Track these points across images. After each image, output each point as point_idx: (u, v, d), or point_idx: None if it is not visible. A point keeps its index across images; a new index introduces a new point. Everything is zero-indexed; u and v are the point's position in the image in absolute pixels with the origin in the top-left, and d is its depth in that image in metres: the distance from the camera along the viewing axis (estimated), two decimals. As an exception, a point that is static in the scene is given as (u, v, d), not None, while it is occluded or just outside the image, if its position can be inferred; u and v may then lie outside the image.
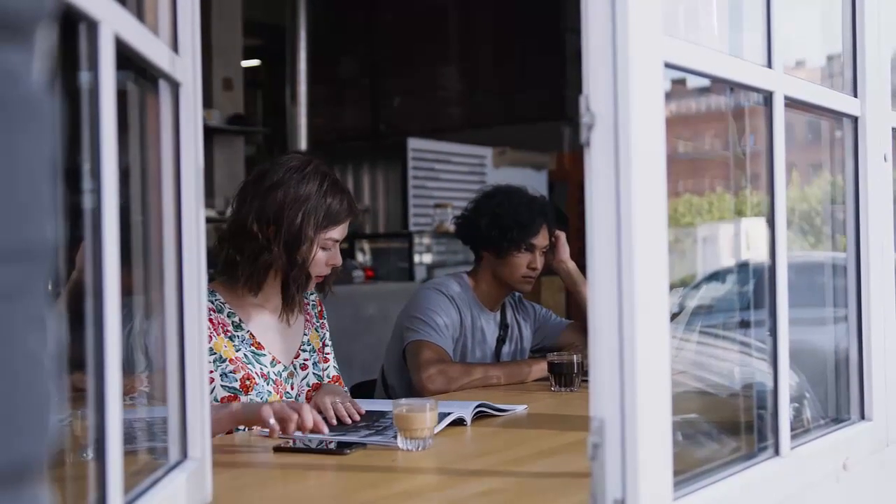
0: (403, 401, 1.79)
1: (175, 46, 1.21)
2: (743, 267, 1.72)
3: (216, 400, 2.03)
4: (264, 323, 2.17)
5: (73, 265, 1.41)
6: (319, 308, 2.35)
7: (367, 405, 2.09)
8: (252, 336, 2.14)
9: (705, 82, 1.42)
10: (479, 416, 2.05)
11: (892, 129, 1.78)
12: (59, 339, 0.61)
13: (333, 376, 2.32)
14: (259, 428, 2.05)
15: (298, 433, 1.88)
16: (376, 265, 6.74)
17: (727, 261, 2.06)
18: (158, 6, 1.18)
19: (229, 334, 2.10)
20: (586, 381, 2.39)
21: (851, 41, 1.68)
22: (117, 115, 0.91)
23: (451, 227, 3.47)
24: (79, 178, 0.87)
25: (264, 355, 2.14)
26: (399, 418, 1.73)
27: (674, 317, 1.68)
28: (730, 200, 1.79)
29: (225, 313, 2.12)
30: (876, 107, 1.70)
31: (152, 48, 1.08)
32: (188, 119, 1.23)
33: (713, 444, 1.50)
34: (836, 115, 1.69)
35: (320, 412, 1.91)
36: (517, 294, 2.95)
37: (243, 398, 2.06)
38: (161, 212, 1.21)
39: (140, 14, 1.09)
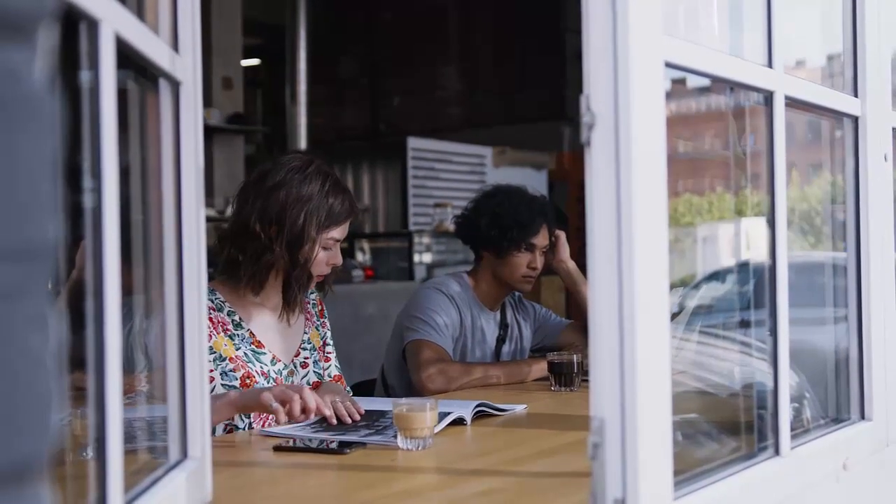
0: (403, 400, 1.79)
1: (175, 45, 1.21)
2: (743, 267, 1.72)
3: None
4: (264, 322, 2.18)
5: (73, 264, 1.41)
6: (320, 307, 2.36)
7: (366, 404, 2.09)
8: (252, 335, 2.14)
9: (705, 82, 1.42)
10: (479, 415, 2.05)
11: (893, 128, 1.78)
12: (60, 339, 0.61)
13: (335, 375, 2.32)
14: (259, 427, 2.05)
15: (298, 433, 1.88)
16: (376, 265, 6.74)
17: (727, 260, 2.06)
18: (159, 5, 1.18)
19: (229, 333, 2.10)
20: (586, 380, 2.39)
21: (852, 41, 1.68)
22: (118, 114, 0.91)
23: (451, 227, 3.47)
24: (79, 177, 0.87)
25: (264, 354, 2.14)
26: (399, 418, 1.73)
27: (674, 316, 1.68)
28: (730, 200, 1.79)
29: (225, 312, 2.12)
30: (876, 106, 1.70)
31: (153, 47, 1.08)
32: (188, 118, 1.23)
33: (713, 444, 1.50)
34: (837, 115, 1.69)
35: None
36: (517, 294, 2.95)
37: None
38: (161, 211, 1.21)
39: (140, 13, 1.09)
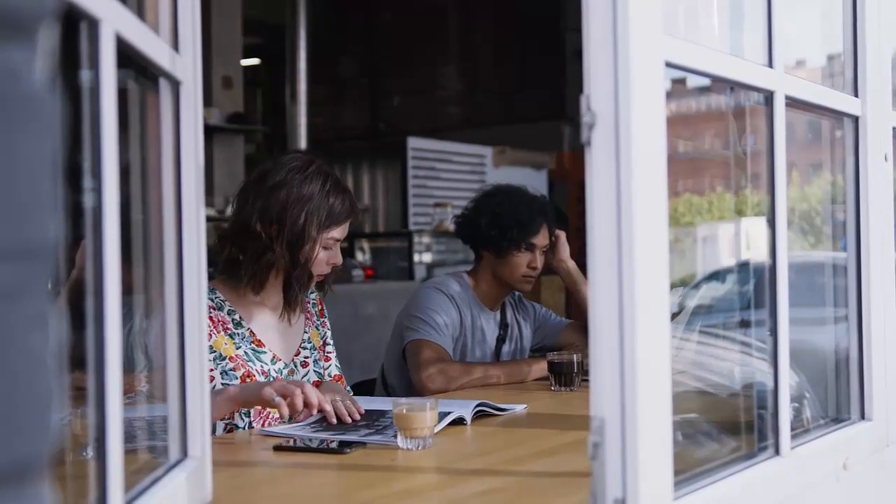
0: (403, 400, 1.80)
1: (176, 45, 1.21)
2: (743, 266, 1.73)
3: None
4: (264, 321, 2.18)
5: (73, 264, 1.41)
6: (320, 307, 2.36)
7: (366, 404, 2.09)
8: (252, 334, 2.14)
9: (705, 82, 1.42)
10: (479, 415, 2.05)
11: (893, 128, 1.78)
12: (60, 338, 0.61)
13: (335, 375, 2.32)
14: (260, 427, 2.05)
15: (299, 432, 1.88)
16: (376, 264, 6.74)
17: (727, 260, 2.06)
18: (159, 5, 1.18)
19: (229, 332, 2.11)
20: (586, 380, 2.39)
21: (852, 41, 1.68)
22: (118, 113, 0.91)
23: (451, 227, 3.47)
24: (79, 176, 0.87)
25: (265, 353, 2.14)
26: (399, 417, 1.73)
27: (674, 316, 1.68)
28: (730, 200, 1.79)
29: (225, 311, 2.12)
30: (876, 106, 1.70)
31: (153, 47, 1.08)
32: (189, 117, 1.23)
33: (713, 444, 1.50)
34: (837, 115, 1.69)
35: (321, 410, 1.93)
36: (517, 293, 2.95)
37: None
38: (161, 210, 1.21)
39: (141, 13, 1.09)
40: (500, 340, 2.88)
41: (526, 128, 8.04)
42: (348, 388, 2.37)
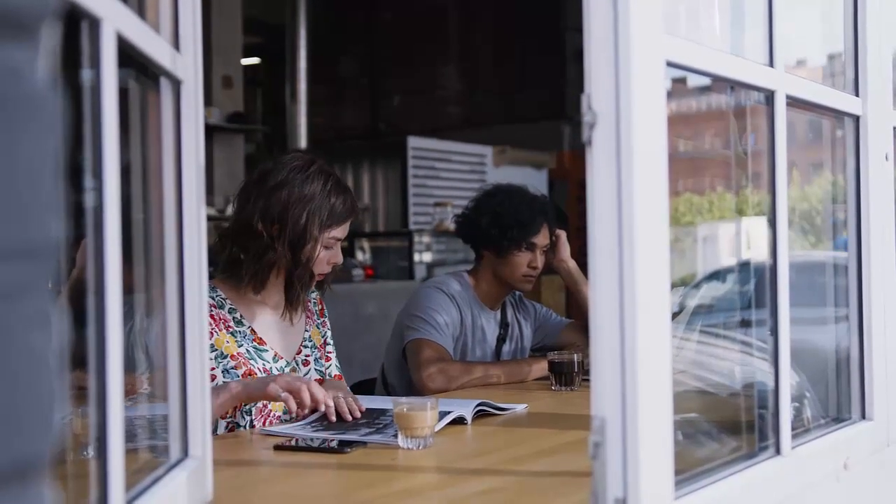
0: (404, 399, 1.80)
1: (176, 44, 1.21)
2: (744, 266, 1.72)
3: None
4: (266, 320, 2.18)
5: (74, 263, 1.41)
6: (320, 306, 2.36)
7: (367, 403, 2.09)
8: (253, 332, 2.14)
9: (706, 81, 1.42)
10: (480, 414, 2.05)
11: (894, 128, 1.78)
12: (62, 338, 0.61)
13: (335, 375, 2.33)
14: (260, 426, 2.05)
15: (299, 432, 1.88)
16: (376, 264, 6.74)
17: (728, 260, 2.05)
18: (160, 4, 1.18)
19: (231, 330, 2.11)
20: (587, 380, 2.39)
21: (853, 40, 1.68)
22: (119, 112, 0.91)
23: (452, 226, 3.47)
24: (80, 175, 0.87)
25: (266, 351, 2.15)
26: (399, 417, 1.73)
27: (674, 316, 1.68)
28: (730, 199, 1.79)
29: (226, 309, 2.13)
30: (877, 106, 1.70)
31: (154, 46, 1.08)
32: (189, 117, 1.23)
33: (714, 444, 1.50)
34: (838, 115, 1.69)
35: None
36: (517, 293, 2.94)
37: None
38: (162, 209, 1.21)
39: (142, 12, 1.09)
40: (501, 340, 2.88)
41: (526, 127, 8.04)
42: (348, 388, 2.38)
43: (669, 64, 1.12)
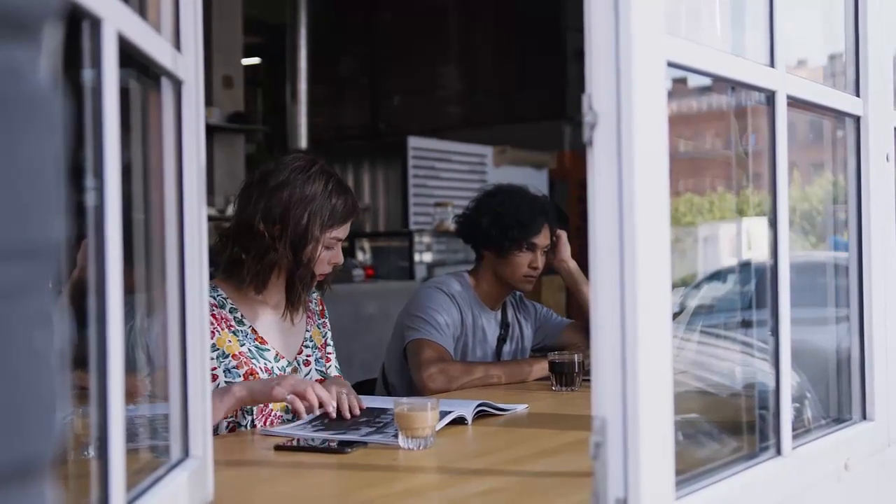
0: (404, 400, 1.80)
1: (177, 44, 1.21)
2: (744, 266, 1.72)
3: None
4: (267, 319, 2.18)
5: (75, 263, 1.40)
6: (321, 307, 2.36)
7: (367, 403, 2.09)
8: (255, 332, 2.15)
9: (706, 81, 1.42)
10: (480, 415, 2.05)
11: (895, 128, 1.77)
12: (63, 338, 0.61)
13: (335, 376, 2.33)
14: (261, 426, 2.05)
15: (300, 432, 1.88)
16: (376, 264, 6.74)
17: (728, 260, 2.05)
18: (161, 4, 1.18)
19: (233, 329, 2.11)
20: (587, 380, 2.39)
21: (854, 40, 1.68)
22: (120, 112, 0.91)
23: (452, 226, 3.47)
24: (81, 175, 0.87)
25: (268, 350, 2.15)
26: (400, 417, 1.73)
27: (675, 316, 1.68)
28: (731, 200, 1.79)
29: (227, 309, 2.13)
30: (878, 106, 1.70)
31: (155, 46, 1.08)
32: (190, 117, 1.23)
33: (714, 444, 1.50)
34: (839, 115, 1.69)
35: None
36: (518, 293, 2.94)
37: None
38: (163, 209, 1.21)
39: (143, 12, 1.09)
40: (501, 340, 2.87)
41: (526, 127, 8.04)
42: (350, 385, 2.38)
43: (670, 64, 1.12)
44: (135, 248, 1.17)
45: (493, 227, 2.74)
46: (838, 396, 1.73)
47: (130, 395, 1.04)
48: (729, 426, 1.56)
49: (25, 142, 0.57)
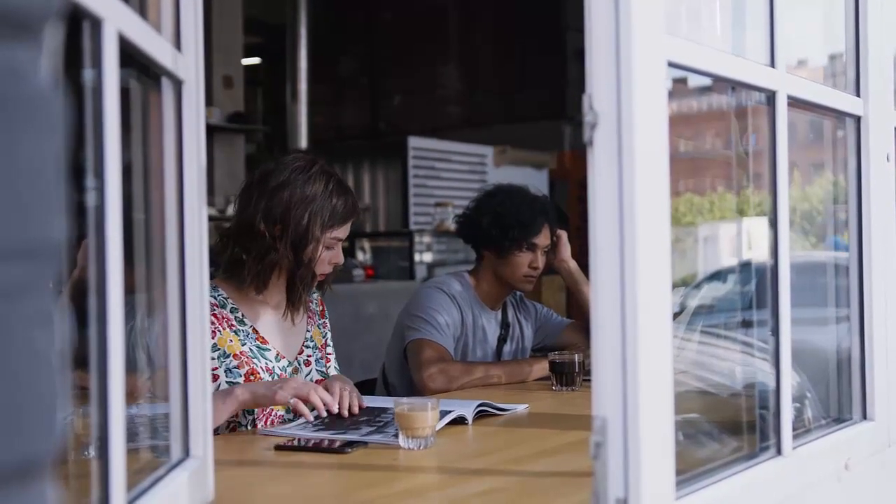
0: (405, 400, 1.80)
1: (178, 44, 1.21)
2: (745, 266, 1.72)
3: None
4: (267, 319, 2.19)
5: (75, 263, 1.40)
6: (321, 308, 2.36)
7: (367, 402, 2.10)
8: (256, 331, 2.15)
9: (707, 81, 1.42)
10: (480, 415, 2.05)
11: (895, 128, 1.77)
12: (64, 337, 0.61)
13: (336, 374, 2.33)
14: (263, 425, 2.05)
15: (300, 432, 1.88)
16: (377, 264, 6.74)
17: (729, 260, 2.05)
18: (161, 4, 1.18)
19: (234, 328, 2.11)
20: (587, 380, 2.39)
21: (854, 40, 1.68)
22: (120, 112, 0.91)
23: (452, 226, 3.47)
24: (82, 175, 0.87)
25: (269, 350, 2.15)
26: (400, 417, 1.73)
27: (675, 316, 1.67)
28: (731, 200, 1.79)
29: (228, 309, 2.13)
30: (879, 106, 1.70)
31: (155, 46, 1.08)
32: (191, 116, 1.23)
33: (715, 444, 1.50)
34: (839, 115, 1.69)
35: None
36: (518, 293, 2.94)
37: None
38: (163, 209, 1.21)
39: (143, 12, 1.09)
40: (502, 340, 2.87)
41: (526, 127, 8.04)
42: (352, 383, 2.38)
43: (671, 64, 1.12)
44: (135, 247, 1.17)
45: (494, 227, 2.74)
46: (839, 396, 1.73)
47: (131, 395, 1.04)
48: (729, 426, 1.56)
49: (26, 141, 0.57)
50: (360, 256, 6.79)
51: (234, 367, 2.07)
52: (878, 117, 1.70)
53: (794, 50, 1.56)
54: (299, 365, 2.22)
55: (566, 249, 2.89)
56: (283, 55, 7.54)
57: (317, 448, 1.75)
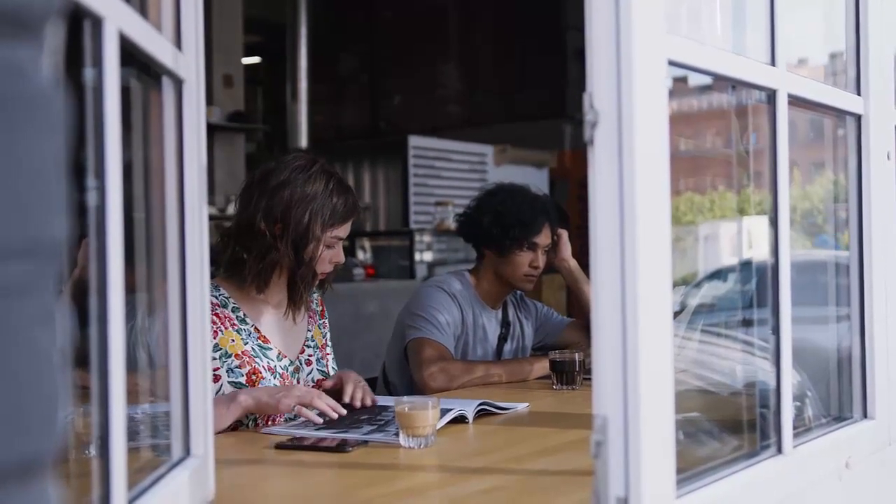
0: (405, 399, 1.80)
1: (178, 43, 1.21)
2: (745, 265, 1.72)
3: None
4: (269, 319, 2.19)
5: (76, 262, 1.40)
6: (321, 308, 2.37)
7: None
8: (257, 330, 2.15)
9: (707, 80, 1.42)
10: (481, 413, 2.05)
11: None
12: (66, 336, 0.61)
13: (348, 371, 2.33)
14: (264, 424, 2.05)
15: (301, 431, 1.88)
16: (377, 263, 6.74)
17: (729, 259, 2.05)
18: (162, 3, 1.18)
19: (236, 328, 2.11)
20: (588, 379, 2.39)
21: (855, 39, 1.68)
22: (121, 111, 0.91)
23: (453, 225, 3.47)
24: (83, 175, 0.87)
25: (271, 349, 2.15)
26: (401, 416, 1.73)
27: (676, 315, 1.67)
28: (732, 199, 1.79)
29: (229, 308, 2.13)
30: (879, 105, 1.70)
31: (156, 45, 1.08)
32: (191, 116, 1.23)
33: (715, 443, 1.50)
34: (840, 113, 1.69)
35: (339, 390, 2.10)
36: (519, 292, 2.94)
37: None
38: (164, 208, 1.21)
39: (144, 11, 1.09)
40: (502, 339, 2.87)
41: (527, 126, 8.04)
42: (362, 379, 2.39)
43: (671, 63, 1.12)
44: (136, 246, 1.17)
45: (495, 226, 2.75)
46: (839, 395, 1.73)
47: (132, 394, 1.04)
48: (730, 425, 1.56)
49: (27, 140, 0.57)
50: (361, 255, 6.79)
51: (236, 367, 2.07)
52: (879, 116, 1.70)
53: (795, 48, 1.56)
54: (300, 364, 2.22)
55: (567, 248, 2.89)
56: (284, 54, 7.55)
57: (317, 447, 1.75)
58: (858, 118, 1.68)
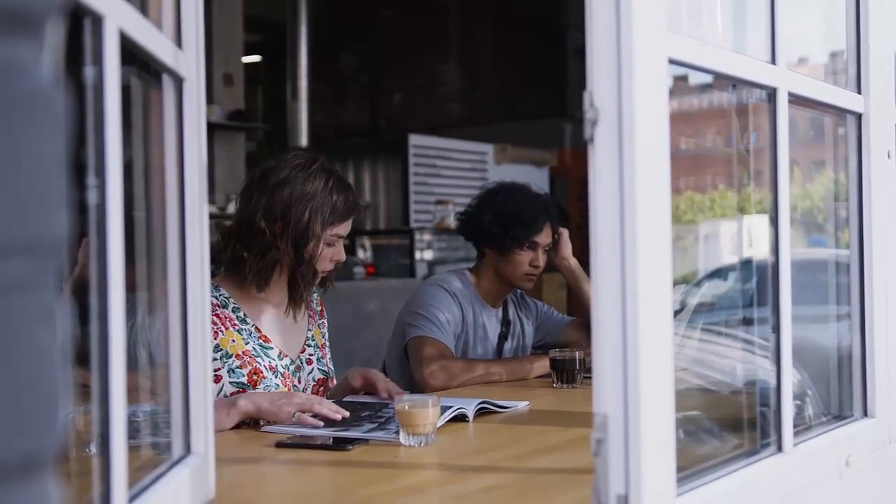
0: (406, 397, 1.80)
1: (179, 41, 1.21)
2: (745, 264, 1.72)
3: (225, 396, 2.04)
4: (269, 318, 2.19)
5: (76, 261, 1.41)
6: (321, 308, 2.37)
7: (367, 399, 2.10)
8: (258, 330, 2.15)
9: (708, 78, 1.42)
10: (481, 412, 2.05)
11: (896, 125, 1.77)
12: (67, 334, 0.61)
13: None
14: (264, 422, 2.06)
15: (301, 429, 1.88)
16: (377, 261, 6.74)
17: (729, 258, 2.05)
18: (162, 1, 1.18)
19: (237, 327, 2.11)
20: (588, 377, 2.39)
21: (855, 38, 1.68)
22: (121, 110, 0.91)
23: (453, 224, 3.47)
24: (83, 173, 0.87)
25: (271, 348, 2.15)
26: (401, 414, 1.73)
27: (676, 314, 1.67)
28: (732, 197, 1.79)
29: (230, 308, 2.13)
30: (880, 103, 1.70)
31: (156, 43, 1.08)
32: (191, 114, 1.23)
33: (716, 441, 1.50)
34: (840, 112, 1.69)
35: (370, 384, 2.14)
36: (519, 291, 2.95)
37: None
38: (164, 207, 1.21)
39: (144, 9, 1.09)
40: (503, 337, 2.88)
41: (527, 125, 8.04)
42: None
43: (671, 61, 1.12)
44: (136, 245, 1.17)
45: (495, 224, 2.75)
46: (839, 393, 1.73)
47: (132, 393, 1.04)
48: (730, 423, 1.56)
49: (27, 138, 0.57)
50: (361, 254, 6.80)
51: (237, 368, 2.07)
52: (879, 114, 1.70)
53: (795, 47, 1.56)
54: (301, 364, 2.22)
55: (567, 247, 2.89)
56: (284, 53, 7.55)
57: (318, 445, 1.75)
58: (859, 117, 1.68)
